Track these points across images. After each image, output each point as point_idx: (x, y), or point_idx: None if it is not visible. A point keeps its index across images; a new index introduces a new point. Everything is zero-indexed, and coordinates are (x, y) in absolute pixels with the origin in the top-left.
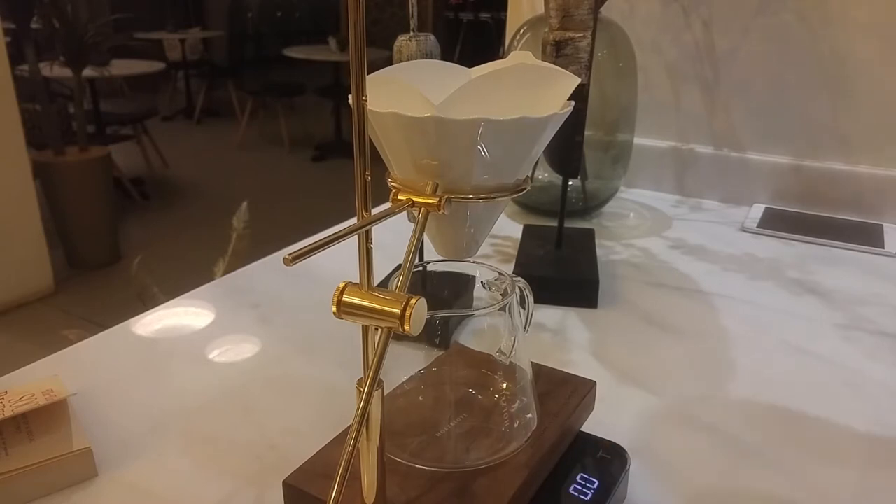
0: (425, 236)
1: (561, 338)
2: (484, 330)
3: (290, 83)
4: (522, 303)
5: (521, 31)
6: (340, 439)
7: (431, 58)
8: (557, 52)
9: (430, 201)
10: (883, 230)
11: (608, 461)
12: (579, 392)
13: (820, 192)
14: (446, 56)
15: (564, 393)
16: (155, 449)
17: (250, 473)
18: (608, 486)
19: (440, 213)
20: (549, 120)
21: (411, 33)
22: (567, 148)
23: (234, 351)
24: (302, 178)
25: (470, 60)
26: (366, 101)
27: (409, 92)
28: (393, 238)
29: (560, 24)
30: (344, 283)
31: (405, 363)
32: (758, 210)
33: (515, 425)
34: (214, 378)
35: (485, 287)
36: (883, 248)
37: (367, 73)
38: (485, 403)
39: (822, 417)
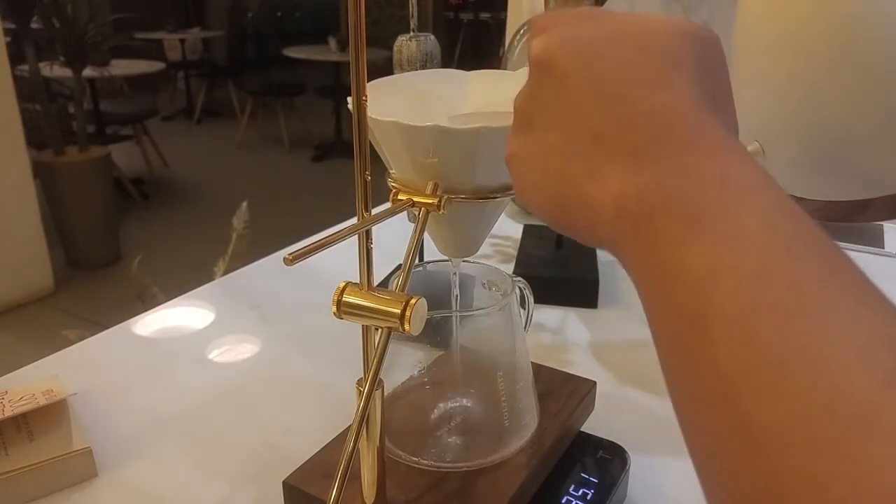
0: (426, 235)
1: (561, 338)
2: (484, 330)
3: (290, 83)
4: (522, 303)
5: (522, 31)
6: (340, 439)
7: (431, 58)
8: None
9: (430, 201)
10: (883, 230)
11: (608, 461)
12: (579, 392)
13: None
14: (446, 56)
15: (564, 393)
16: (155, 449)
17: (250, 473)
18: (608, 486)
19: (440, 213)
20: None
21: (411, 33)
22: None
23: (234, 351)
24: (302, 178)
25: (470, 61)
26: (366, 101)
27: (413, 94)
28: (393, 238)
29: None
30: (344, 283)
31: (405, 363)
32: None
33: (515, 425)
34: (214, 378)
35: (485, 287)
36: (883, 247)
37: (367, 73)
38: (485, 404)
39: None
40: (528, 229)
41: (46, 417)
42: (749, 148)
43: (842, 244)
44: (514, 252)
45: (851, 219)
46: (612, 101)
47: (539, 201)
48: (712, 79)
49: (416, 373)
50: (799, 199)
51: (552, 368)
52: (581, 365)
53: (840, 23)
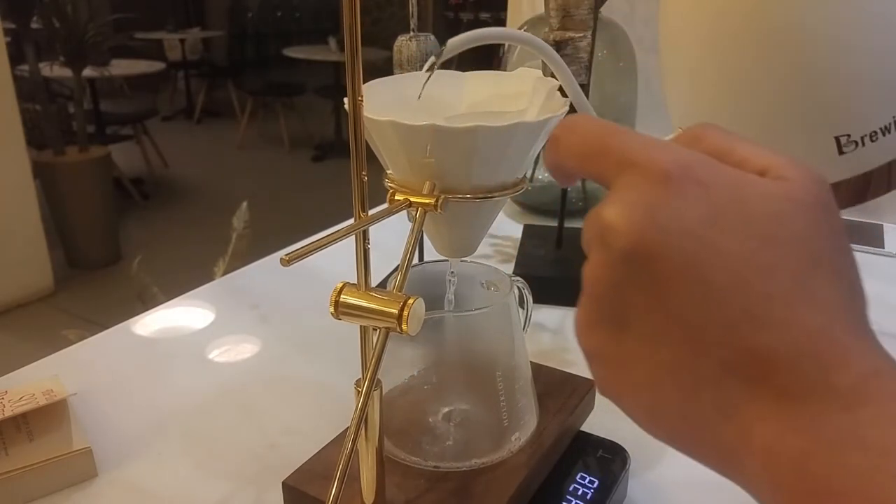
0: (425, 234)
1: (561, 338)
2: (483, 330)
3: (290, 83)
4: (522, 303)
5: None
6: (340, 439)
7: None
8: (557, 52)
9: (427, 201)
10: (883, 230)
11: (608, 461)
12: (579, 392)
13: None
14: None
15: (564, 393)
16: (155, 449)
17: (250, 473)
18: (608, 486)
19: (437, 213)
20: (546, 123)
21: (411, 33)
22: None
23: (234, 351)
24: (302, 178)
25: (470, 61)
26: (362, 101)
27: (411, 95)
28: (391, 238)
29: (560, 24)
30: (342, 284)
31: (404, 363)
32: None
33: (515, 425)
34: (214, 378)
35: (484, 287)
36: (883, 247)
37: (367, 73)
38: (484, 403)
39: None
40: (528, 229)
41: (46, 417)
42: (672, 135)
43: None
44: (514, 252)
45: None
46: (742, 322)
47: (641, 418)
48: (841, 254)
49: (414, 373)
50: None
51: (552, 368)
52: (581, 365)
53: (759, 15)
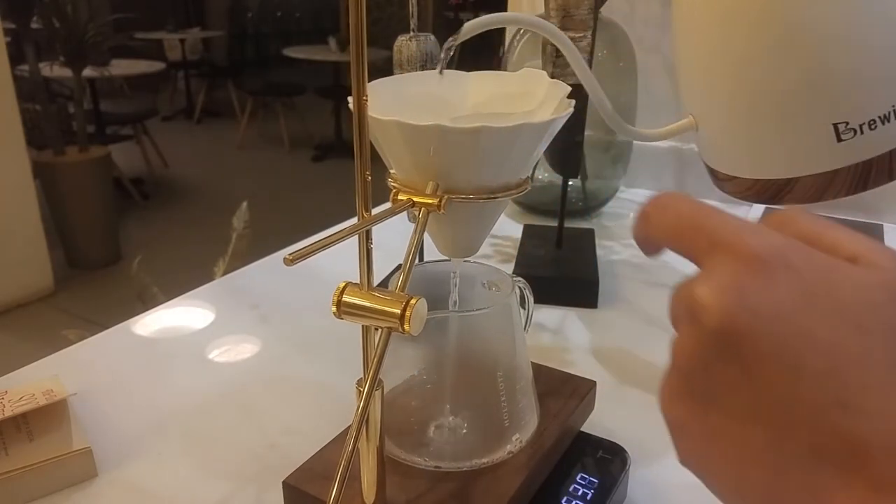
0: (427, 235)
1: (561, 338)
2: (484, 330)
3: (290, 83)
4: (522, 303)
5: (521, 32)
6: (340, 439)
7: (431, 58)
8: (557, 53)
9: (430, 201)
10: (883, 230)
11: (608, 461)
12: (579, 392)
13: None
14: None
15: (564, 393)
16: (155, 449)
17: (250, 473)
18: (608, 486)
19: (440, 213)
20: (550, 124)
21: (411, 33)
22: (567, 148)
23: (234, 351)
24: (302, 178)
25: (470, 61)
26: (366, 100)
27: (413, 94)
28: (393, 238)
29: (560, 24)
30: (344, 283)
31: (405, 363)
32: (758, 210)
33: (515, 425)
34: (214, 378)
35: (485, 287)
36: None
37: (367, 74)
38: (485, 404)
39: None
40: (528, 229)
41: (46, 417)
42: (684, 121)
43: None
44: (514, 252)
45: (777, 197)
46: (834, 409)
47: (725, 493)
48: None
49: (415, 373)
50: (733, 178)
51: (552, 368)
52: (581, 365)
53: (772, 12)
